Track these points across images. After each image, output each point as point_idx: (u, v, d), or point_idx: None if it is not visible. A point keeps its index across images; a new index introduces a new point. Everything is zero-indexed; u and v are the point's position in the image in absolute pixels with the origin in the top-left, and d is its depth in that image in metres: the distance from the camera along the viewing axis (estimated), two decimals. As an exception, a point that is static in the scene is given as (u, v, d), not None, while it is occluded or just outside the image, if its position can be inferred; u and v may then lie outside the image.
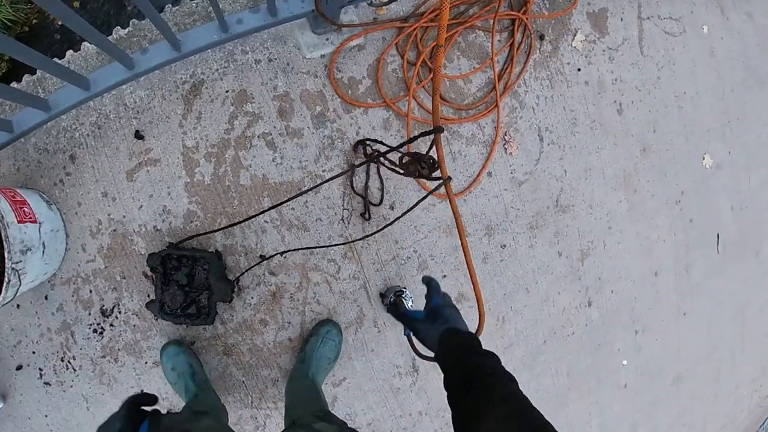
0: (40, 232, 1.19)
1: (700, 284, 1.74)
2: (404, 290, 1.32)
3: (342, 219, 1.32)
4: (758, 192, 1.93)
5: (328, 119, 1.31)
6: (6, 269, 1.03)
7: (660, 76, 1.67)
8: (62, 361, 1.41)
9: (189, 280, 1.22)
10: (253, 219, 1.28)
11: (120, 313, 1.33)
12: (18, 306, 1.39)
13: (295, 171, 1.30)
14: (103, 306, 1.33)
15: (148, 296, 1.33)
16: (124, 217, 1.29)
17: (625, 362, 1.68)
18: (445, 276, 1.39)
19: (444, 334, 0.75)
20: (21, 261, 1.10)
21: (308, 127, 1.30)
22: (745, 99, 1.83)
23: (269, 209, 1.02)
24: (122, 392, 1.39)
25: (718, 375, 1.97)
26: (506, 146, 1.40)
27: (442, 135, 1.17)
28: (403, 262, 1.36)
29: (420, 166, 0.82)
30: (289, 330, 1.35)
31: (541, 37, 1.46)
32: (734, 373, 2.10)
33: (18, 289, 1.17)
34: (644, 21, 1.66)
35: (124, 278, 1.31)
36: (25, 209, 1.16)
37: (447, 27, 1.36)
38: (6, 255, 1.02)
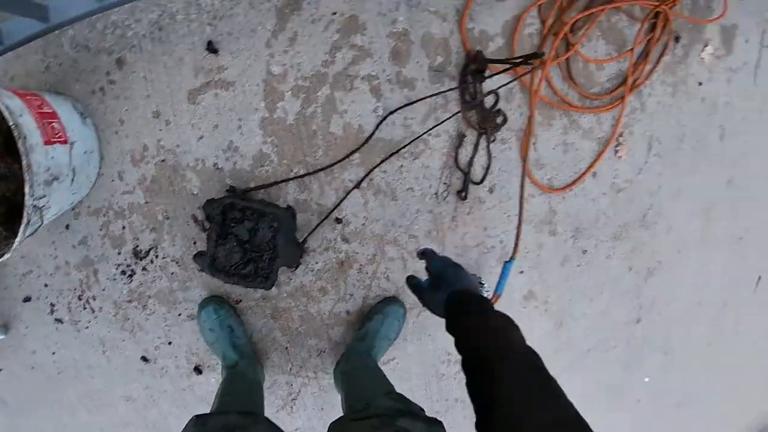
0: (70, 154, 0.94)
1: (736, 320, 1.81)
2: (483, 283, 1.22)
3: (436, 193, 1.16)
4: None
5: (447, 74, 1.10)
6: (26, 206, 0.79)
7: (763, 110, 1.60)
8: (79, 299, 1.21)
9: (251, 236, 1.03)
10: (335, 175, 1.09)
11: (157, 257, 1.14)
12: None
13: (397, 128, 1.09)
14: (138, 246, 1.13)
15: (194, 243, 1.13)
16: (177, 146, 1.07)
17: (647, 379, 1.73)
18: (522, 272, 1.27)
19: (449, 301, 0.65)
20: (45, 195, 0.86)
21: (423, 79, 1.09)
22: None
23: (370, 172, 0.84)
24: (146, 342, 1.24)
25: (721, 410, 2.13)
26: (618, 148, 1.27)
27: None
28: (486, 250, 1.23)
29: None
30: (349, 302, 1.21)
31: (677, 39, 1.31)
32: (734, 411, 2.15)
33: (38, 227, 0.94)
34: (765, 49, 1.55)
35: (168, 219, 1.11)
36: (54, 125, 0.90)
37: (590, 3, 1.18)
38: (27, 189, 0.79)
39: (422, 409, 0.84)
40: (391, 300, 1.21)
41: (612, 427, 1.81)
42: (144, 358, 1.26)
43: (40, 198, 0.85)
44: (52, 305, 1.21)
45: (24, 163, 0.79)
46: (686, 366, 1.79)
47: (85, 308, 1.22)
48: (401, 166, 1.11)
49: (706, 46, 1.37)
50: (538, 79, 1.13)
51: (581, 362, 1.54)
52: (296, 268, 1.14)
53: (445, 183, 1.14)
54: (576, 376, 1.57)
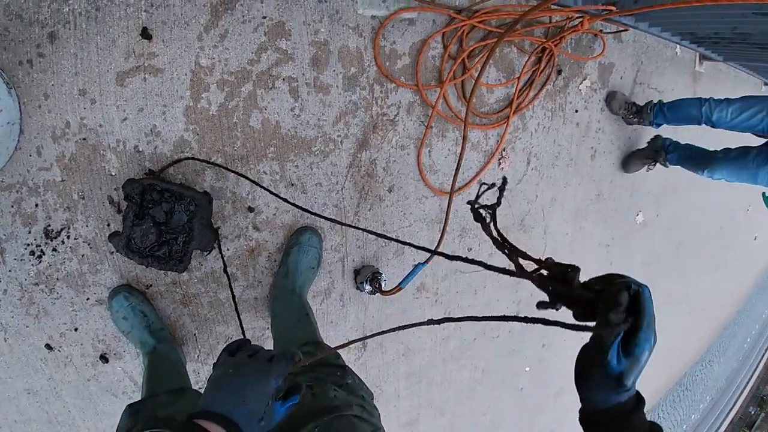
0: None
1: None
2: (381, 273, 1.67)
3: (342, 189, 1.59)
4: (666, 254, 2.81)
5: (359, 85, 1.46)
6: None
7: (631, 136, 2.31)
8: None
9: (167, 218, 1.23)
10: (251, 166, 1.34)
11: (68, 237, 1.30)
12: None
13: (310, 128, 1.37)
14: (49, 226, 1.28)
15: (108, 225, 1.30)
16: (100, 126, 1.24)
17: (527, 369, 2.37)
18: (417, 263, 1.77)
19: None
20: None
21: (337, 86, 1.38)
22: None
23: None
24: (52, 328, 1.36)
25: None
26: (501, 161, 1.81)
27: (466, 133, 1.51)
28: (384, 244, 1.57)
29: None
30: (257, 289, 1.46)
31: (559, 72, 1.89)
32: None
33: None
34: (637, 85, 2.25)
35: (83, 198, 1.28)
36: None
37: (486, 35, 1.70)
38: None
39: (338, 356, 1.03)
40: (304, 229, 1.41)
41: (501, 415, 2.43)
42: (48, 346, 1.37)
43: None
44: (-55, 284, 1.25)
45: None
46: (562, 357, 2.47)
47: None
48: (312, 163, 1.39)
49: (584, 79, 1.98)
50: (436, 97, 1.63)
51: (468, 349, 1.95)
52: (210, 252, 1.35)
53: (349, 181, 1.58)
54: (464, 363, 2.03)
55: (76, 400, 1.48)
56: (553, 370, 2.40)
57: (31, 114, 1.21)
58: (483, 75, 1.62)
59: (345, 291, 1.60)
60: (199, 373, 1.52)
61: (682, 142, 2.02)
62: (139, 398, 1.10)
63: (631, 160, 2.15)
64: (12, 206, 1.26)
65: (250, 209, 1.40)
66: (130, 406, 1.00)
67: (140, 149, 1.28)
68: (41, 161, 1.25)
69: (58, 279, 1.33)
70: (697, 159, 1.92)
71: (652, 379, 3.58)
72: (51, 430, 1.58)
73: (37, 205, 1.28)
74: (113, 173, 1.28)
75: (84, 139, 1.25)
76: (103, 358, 1.41)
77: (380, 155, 1.49)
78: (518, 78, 1.71)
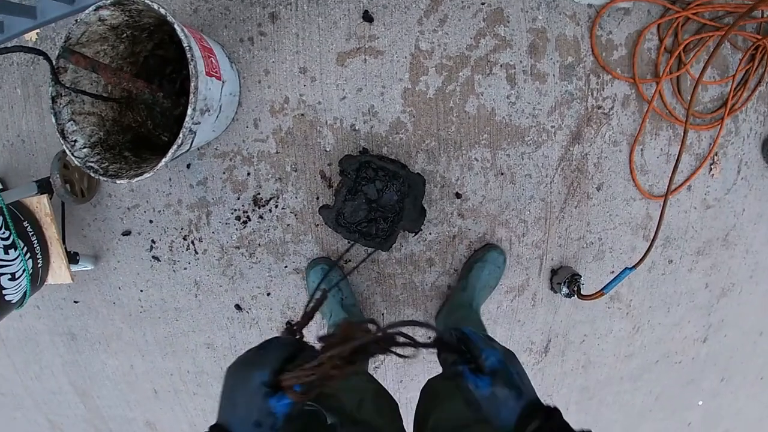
0: (221, 92, 1.13)
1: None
2: (580, 276, 1.56)
3: (551, 183, 1.52)
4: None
5: (575, 74, 1.42)
6: (184, 127, 0.97)
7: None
8: (184, 239, 1.40)
9: (378, 197, 1.25)
10: (463, 152, 1.32)
11: (276, 207, 1.36)
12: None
13: (525, 117, 1.33)
14: (259, 194, 1.36)
15: (317, 198, 1.34)
16: (319, 103, 1.29)
17: (700, 402, 2.11)
18: (613, 272, 1.52)
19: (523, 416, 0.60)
20: (199, 123, 1.04)
21: (554, 75, 1.35)
22: None
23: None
24: (244, 290, 1.43)
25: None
26: (712, 166, 1.66)
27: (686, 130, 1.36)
28: (585, 245, 1.45)
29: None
30: (452, 277, 1.41)
31: (774, 71, 1.73)
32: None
33: (185, 152, 1.11)
34: None
35: (295, 171, 1.34)
36: (213, 60, 1.09)
37: (701, 28, 1.59)
38: (189, 111, 0.96)
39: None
40: (491, 247, 1.37)
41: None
42: (238, 307, 1.45)
43: (197, 123, 1.02)
44: (153, 242, 1.41)
45: (192, 84, 0.95)
46: (736, 397, 2.18)
47: (188, 249, 1.40)
48: (524, 152, 1.35)
49: (798, 83, 1.80)
50: (653, 91, 1.52)
51: (648, 371, 1.78)
52: (416, 234, 1.35)
53: (560, 174, 1.50)
54: (640, 386, 1.83)
55: (252, 360, 1.53)
56: (726, 407, 2.11)
57: (251, 88, 1.29)
58: (696, 68, 1.49)
59: (538, 290, 1.50)
60: (380, 356, 1.50)
61: None
62: None
63: None
64: (224, 173, 1.35)
65: (458, 195, 1.37)
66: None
67: (356, 128, 1.31)
68: (257, 133, 1.32)
69: (260, 245, 1.39)
70: None
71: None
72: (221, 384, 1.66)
73: (249, 174, 1.35)
74: (328, 149, 1.32)
75: (302, 114, 1.30)
76: (289, 325, 1.44)
77: (592, 150, 1.41)
78: (733, 77, 1.56)
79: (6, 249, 1.16)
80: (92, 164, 1.08)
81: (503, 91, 1.34)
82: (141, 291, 1.48)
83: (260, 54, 1.29)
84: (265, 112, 1.31)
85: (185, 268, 1.44)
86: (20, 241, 1.20)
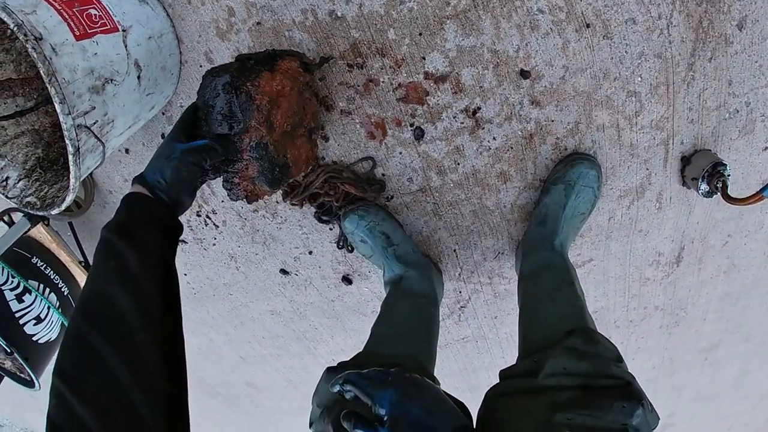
0: (125, 44, 0.79)
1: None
2: (725, 165, 0.91)
3: (668, 27, 0.86)
4: None
5: None
6: (65, 129, 0.67)
7: None
8: (198, 216, 1.21)
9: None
10: (517, 2, 0.80)
11: None
12: (127, 151, 1.13)
13: None
14: None
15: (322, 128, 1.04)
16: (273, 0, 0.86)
17: None
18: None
19: None
20: (95, 107, 0.73)
21: None
22: None
23: None
24: (283, 253, 1.23)
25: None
26: None
27: None
28: (727, 116, 0.91)
29: None
30: (540, 190, 1.02)
31: None
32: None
33: (103, 151, 0.79)
34: None
35: None
36: (92, 11, 0.76)
37: None
38: (58, 106, 0.65)
39: (619, 360, 0.65)
40: (577, 159, 0.94)
41: None
42: (283, 271, 1.28)
43: (86, 113, 0.72)
44: (171, 226, 1.32)
45: (42, 71, 0.64)
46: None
47: (206, 224, 1.21)
48: None
49: None
50: None
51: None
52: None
53: (680, 11, 0.81)
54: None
55: (322, 318, 1.44)
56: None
57: (183, 16, 0.92)
58: None
59: (665, 188, 1.03)
60: (461, 292, 1.27)
61: None
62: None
63: None
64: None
65: (524, 74, 0.90)
66: (329, 371, 0.75)
67: (338, 14, 0.88)
68: (227, 67, 0.93)
69: (277, 201, 1.14)
70: None
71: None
72: (300, 345, 1.62)
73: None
74: (311, 57, 0.94)
75: (258, 23, 0.90)
76: (346, 280, 1.27)
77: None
78: None
79: (19, 297, 1.13)
80: (29, 199, 0.90)
81: None
82: (185, 275, 1.42)
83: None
84: (212, 38, 0.94)
85: (214, 245, 1.29)
86: (33, 282, 1.17)
